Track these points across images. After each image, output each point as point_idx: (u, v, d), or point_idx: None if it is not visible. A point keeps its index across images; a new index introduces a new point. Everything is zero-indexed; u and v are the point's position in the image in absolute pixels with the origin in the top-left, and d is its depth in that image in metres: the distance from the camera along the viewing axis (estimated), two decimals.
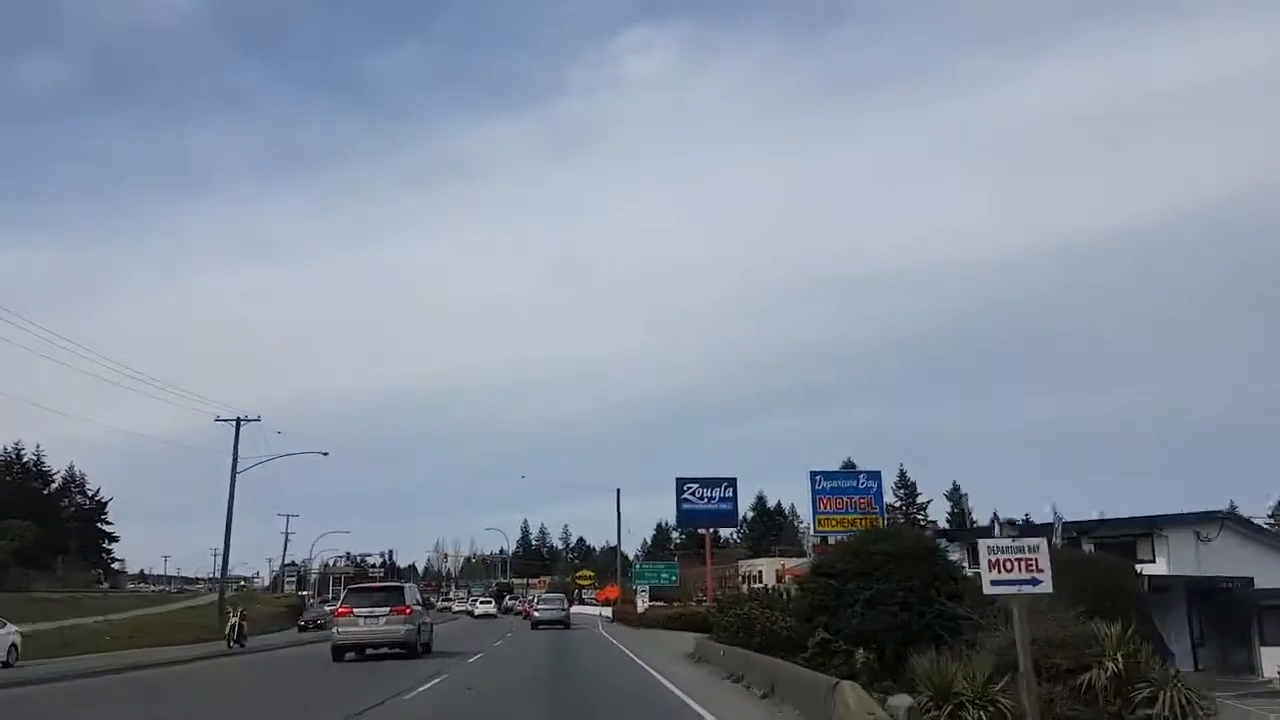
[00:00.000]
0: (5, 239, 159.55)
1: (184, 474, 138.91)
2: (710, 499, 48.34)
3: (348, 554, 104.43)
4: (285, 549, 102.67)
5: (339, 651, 24.73)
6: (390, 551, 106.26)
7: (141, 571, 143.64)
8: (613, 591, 59.24)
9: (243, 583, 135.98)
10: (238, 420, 55.58)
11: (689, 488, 48.54)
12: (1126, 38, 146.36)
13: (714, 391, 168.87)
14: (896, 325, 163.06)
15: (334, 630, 25.76)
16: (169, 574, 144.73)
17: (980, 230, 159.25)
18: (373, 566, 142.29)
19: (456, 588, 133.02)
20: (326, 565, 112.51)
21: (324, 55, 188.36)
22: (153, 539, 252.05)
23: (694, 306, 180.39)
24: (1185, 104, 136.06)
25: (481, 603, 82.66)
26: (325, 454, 59.24)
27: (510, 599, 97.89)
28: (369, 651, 24.89)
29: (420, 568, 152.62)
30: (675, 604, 54.90)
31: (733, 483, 48.72)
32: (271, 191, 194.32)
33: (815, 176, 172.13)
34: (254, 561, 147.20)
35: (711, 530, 53.04)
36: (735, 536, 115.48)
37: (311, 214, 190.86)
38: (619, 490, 63.95)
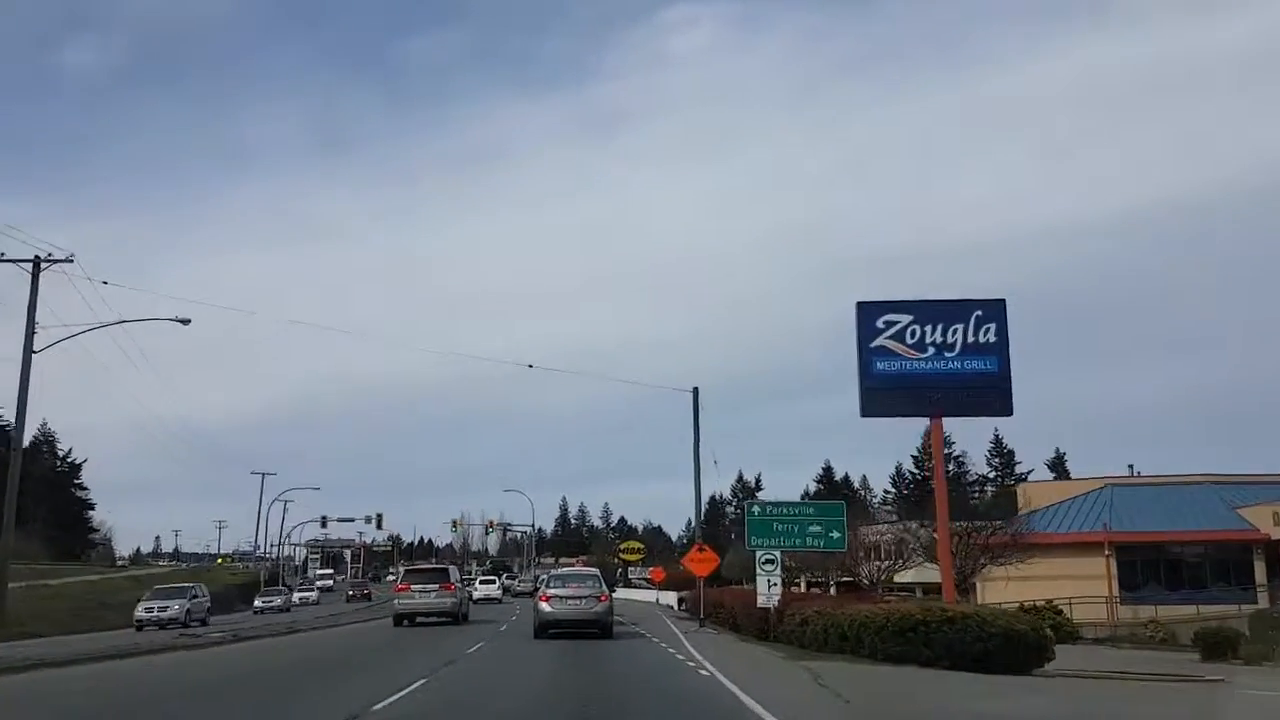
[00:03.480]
0: None
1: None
2: (945, 346, 21.04)
3: (323, 518, 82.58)
4: (260, 508, 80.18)
5: (399, 619, 30.89)
6: (379, 515, 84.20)
7: (138, 549, 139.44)
8: (703, 562, 30.63)
9: (220, 560, 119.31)
10: (36, 260, 34.20)
11: (890, 323, 21.35)
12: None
13: (771, 370, 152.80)
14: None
15: (395, 601, 32.57)
16: (193, 550, 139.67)
17: (1028, 200, 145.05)
18: (385, 540, 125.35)
19: (479, 566, 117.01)
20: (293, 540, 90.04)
21: (358, 38, 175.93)
22: (170, 515, 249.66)
23: (740, 285, 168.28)
24: (1237, 69, 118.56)
25: (481, 582, 67.03)
26: (186, 321, 34.80)
27: (508, 578, 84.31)
28: (420, 620, 30.61)
29: (445, 544, 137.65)
30: (839, 587, 27.41)
31: (999, 310, 21.31)
32: (308, 173, 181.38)
33: (867, 149, 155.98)
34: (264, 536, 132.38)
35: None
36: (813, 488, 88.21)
37: (344, 197, 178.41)
38: (696, 390, 36.53)
